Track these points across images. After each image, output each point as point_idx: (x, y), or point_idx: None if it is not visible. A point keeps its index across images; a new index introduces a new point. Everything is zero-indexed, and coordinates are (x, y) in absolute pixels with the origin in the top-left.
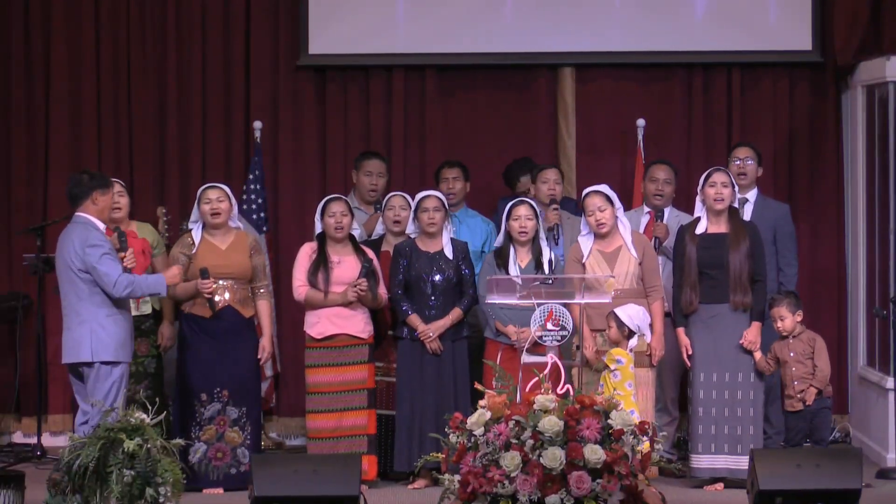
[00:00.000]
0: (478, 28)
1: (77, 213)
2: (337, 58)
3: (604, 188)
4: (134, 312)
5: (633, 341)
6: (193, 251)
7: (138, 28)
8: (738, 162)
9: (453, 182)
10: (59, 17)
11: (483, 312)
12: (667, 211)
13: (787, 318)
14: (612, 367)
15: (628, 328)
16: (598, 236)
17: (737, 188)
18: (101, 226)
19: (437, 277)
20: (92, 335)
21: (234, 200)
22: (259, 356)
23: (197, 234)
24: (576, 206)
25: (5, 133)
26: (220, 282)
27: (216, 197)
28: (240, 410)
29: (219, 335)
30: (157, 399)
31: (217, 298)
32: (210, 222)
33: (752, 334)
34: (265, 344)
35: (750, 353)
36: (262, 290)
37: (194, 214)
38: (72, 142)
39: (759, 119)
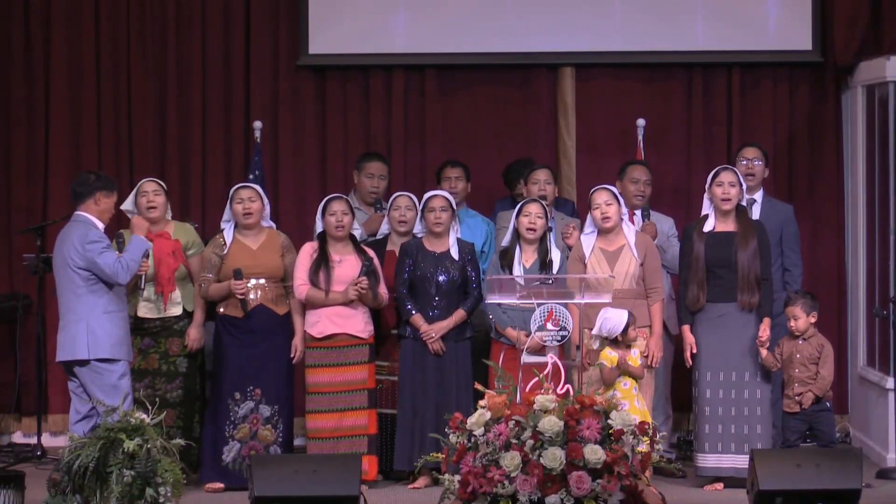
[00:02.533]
0: (478, 28)
1: (77, 212)
2: (337, 58)
3: (612, 187)
4: (160, 314)
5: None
6: (225, 251)
7: (138, 28)
8: (746, 162)
9: (455, 182)
10: (59, 17)
11: (486, 312)
12: (641, 211)
13: (801, 319)
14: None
15: (600, 337)
16: (602, 234)
17: (745, 187)
18: (101, 225)
19: (442, 278)
20: (88, 333)
21: (265, 200)
22: (292, 355)
23: (229, 233)
24: (573, 208)
25: (5, 133)
26: (253, 281)
27: (248, 196)
28: (272, 408)
29: (252, 334)
30: (190, 398)
31: (251, 297)
32: (242, 222)
33: (766, 331)
34: (297, 343)
35: (755, 351)
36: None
37: (226, 214)
38: (72, 142)
39: (759, 119)
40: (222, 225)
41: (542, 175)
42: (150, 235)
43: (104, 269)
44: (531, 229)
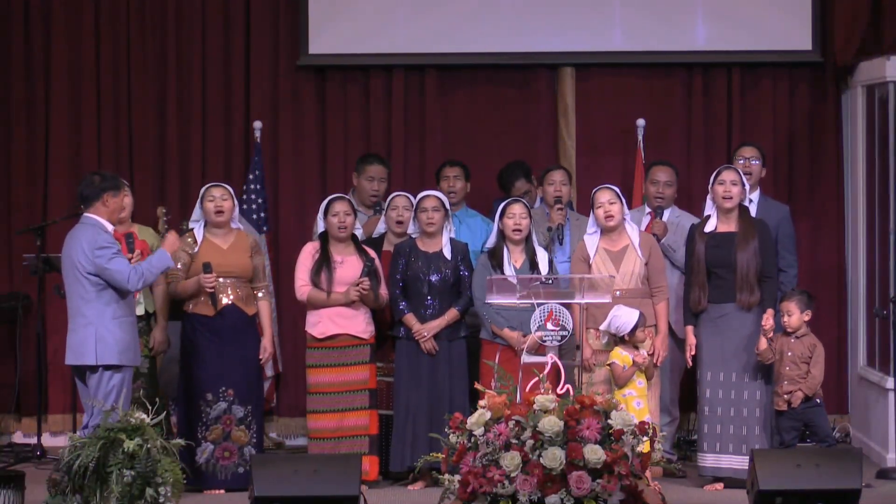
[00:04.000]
0: (478, 28)
1: (86, 214)
2: (337, 58)
3: (614, 187)
4: None
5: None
6: (195, 250)
7: (138, 28)
8: (743, 161)
9: (454, 181)
10: (59, 17)
11: (480, 314)
12: (668, 211)
13: (794, 315)
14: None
15: (608, 333)
16: (605, 234)
17: (747, 186)
18: (110, 227)
19: (435, 277)
20: (97, 338)
21: (235, 200)
22: (260, 356)
23: (199, 232)
24: (573, 208)
25: (5, 133)
26: (222, 280)
27: (219, 195)
28: (245, 409)
29: (222, 334)
30: (154, 399)
31: (221, 297)
32: (213, 220)
33: (769, 320)
34: (266, 344)
35: (756, 352)
36: (262, 291)
37: (196, 213)
38: (72, 142)
39: (759, 119)
40: (191, 224)
41: (557, 176)
42: (117, 235)
43: (115, 276)
44: (517, 230)
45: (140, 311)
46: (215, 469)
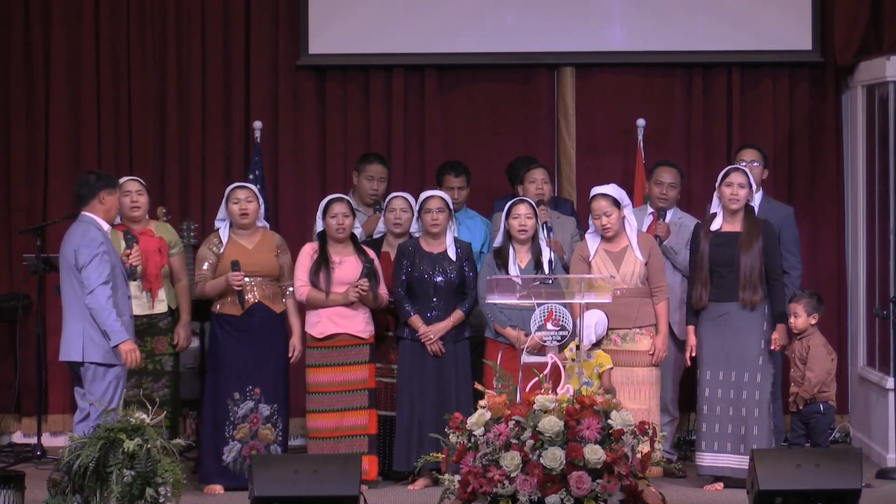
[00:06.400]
0: (478, 28)
1: (83, 213)
2: (337, 58)
3: (611, 189)
4: (148, 311)
5: (588, 342)
6: (221, 250)
7: (138, 28)
8: (745, 164)
9: (458, 192)
10: (59, 17)
11: (483, 312)
12: (670, 212)
13: (801, 317)
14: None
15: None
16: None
17: (754, 187)
18: (106, 226)
19: (440, 278)
20: (84, 335)
21: (261, 200)
22: (290, 355)
23: (224, 232)
24: (572, 208)
25: (5, 133)
26: (248, 279)
27: (245, 197)
28: (272, 407)
29: (250, 333)
30: (176, 397)
31: (248, 296)
32: (238, 222)
33: (779, 337)
34: (295, 343)
35: (757, 352)
36: (289, 290)
37: (221, 213)
38: (72, 142)
39: (759, 119)
40: (217, 224)
41: (538, 174)
42: (134, 231)
43: (85, 279)
44: (522, 230)
45: (163, 307)
46: (242, 468)
